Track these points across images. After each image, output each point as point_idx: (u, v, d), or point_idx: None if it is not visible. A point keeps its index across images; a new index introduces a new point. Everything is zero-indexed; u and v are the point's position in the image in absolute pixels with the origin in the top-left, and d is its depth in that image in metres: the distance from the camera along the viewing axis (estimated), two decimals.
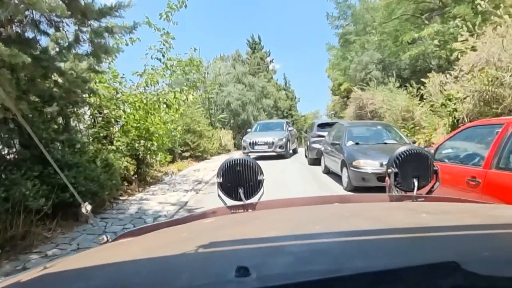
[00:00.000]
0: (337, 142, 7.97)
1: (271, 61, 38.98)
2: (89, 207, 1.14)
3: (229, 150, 19.63)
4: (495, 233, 0.72)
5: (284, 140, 14.10)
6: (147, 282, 0.58)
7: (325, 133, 11.24)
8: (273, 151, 13.86)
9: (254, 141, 14.07)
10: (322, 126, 11.71)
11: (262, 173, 1.35)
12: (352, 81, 15.31)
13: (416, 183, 1.28)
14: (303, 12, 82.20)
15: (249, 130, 16.54)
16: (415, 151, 1.33)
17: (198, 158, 14.96)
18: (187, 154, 14.16)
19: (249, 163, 1.33)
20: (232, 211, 1.24)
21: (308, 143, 11.80)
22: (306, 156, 13.81)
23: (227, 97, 20.48)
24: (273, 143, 13.89)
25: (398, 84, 12.48)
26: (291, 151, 14.84)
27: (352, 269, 0.53)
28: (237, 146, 19.98)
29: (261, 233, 0.84)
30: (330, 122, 12.20)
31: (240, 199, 1.29)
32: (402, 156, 1.32)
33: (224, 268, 0.57)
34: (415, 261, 0.56)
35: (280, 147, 13.92)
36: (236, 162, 1.34)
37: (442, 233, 0.72)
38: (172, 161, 13.72)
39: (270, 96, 28.82)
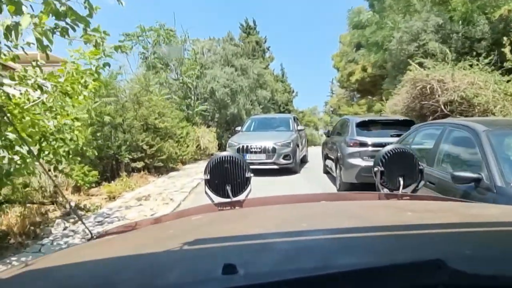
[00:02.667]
0: (477, 176, 2.92)
1: (268, 48, 33.89)
2: (72, 203, 0.69)
3: (210, 155, 14.47)
4: (476, 232, 0.73)
5: (291, 145, 9.08)
6: (134, 279, 0.56)
7: (371, 139, 6.26)
8: (274, 163, 8.91)
9: (245, 146, 9.11)
10: (366, 126, 6.64)
11: (250, 170, 1.32)
12: (395, 58, 10.37)
13: (401, 182, 1.28)
14: (298, 7, 77.20)
15: (238, 128, 11.38)
16: (401, 150, 1.33)
17: (159, 170, 9.85)
18: (139, 164, 9.02)
19: (237, 160, 1.31)
20: (219, 208, 1.21)
21: (339, 155, 6.74)
22: (327, 172, 8.78)
23: (210, 82, 15.27)
24: (274, 150, 8.91)
25: (481, 62, 7.52)
26: (298, 161, 9.71)
27: (338, 267, 0.53)
28: (223, 149, 14.84)
29: (249, 231, 0.83)
30: (388, 119, 7.03)
31: (228, 196, 1.27)
32: (389, 155, 1.31)
33: (211, 266, 0.56)
34: (401, 258, 0.56)
35: (286, 156, 8.97)
36: (224, 158, 1.31)
37: (426, 231, 0.73)
38: (113, 177, 8.61)
39: (267, 86, 23.69)
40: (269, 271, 0.52)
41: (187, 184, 8.20)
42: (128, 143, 8.98)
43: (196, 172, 10.24)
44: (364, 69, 23.69)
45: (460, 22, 9.01)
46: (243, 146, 9.14)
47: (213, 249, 0.66)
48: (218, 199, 1.27)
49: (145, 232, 1.00)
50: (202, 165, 12.15)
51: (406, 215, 0.93)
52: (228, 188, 1.27)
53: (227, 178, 1.28)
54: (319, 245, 0.65)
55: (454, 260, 0.51)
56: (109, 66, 5.10)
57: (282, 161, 8.97)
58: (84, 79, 4.60)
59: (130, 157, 8.90)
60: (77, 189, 6.78)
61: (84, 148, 5.22)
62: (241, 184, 1.29)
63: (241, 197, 1.28)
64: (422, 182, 1.32)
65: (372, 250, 0.61)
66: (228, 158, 1.30)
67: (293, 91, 44.35)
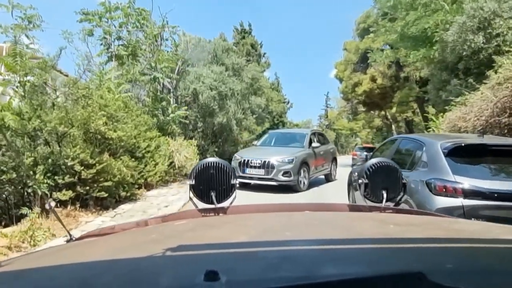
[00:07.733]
0: None
1: (264, 54, 31.07)
2: (53, 203, 1.10)
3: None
4: (458, 246, 0.73)
5: (293, 162, 8.54)
6: (113, 283, 0.55)
7: (490, 184, 3.14)
8: (272, 179, 8.47)
9: (246, 161, 8.75)
10: (466, 156, 3.50)
11: (235, 177, 1.32)
12: (452, 54, 7.42)
13: (385, 195, 1.27)
14: (293, 20, 75.42)
15: (255, 142, 11.56)
16: (385, 163, 1.33)
17: (103, 203, 6.55)
18: (65, 195, 5.72)
19: (223, 167, 1.30)
20: (203, 214, 1.19)
21: (413, 204, 3.55)
22: None
23: (194, 83, 12.11)
24: (273, 166, 8.43)
25: None
26: (302, 179, 8.87)
27: (322, 277, 0.52)
28: None
29: (232, 238, 0.83)
30: (508, 144, 3.89)
31: (212, 203, 1.25)
32: (373, 168, 1.30)
33: (193, 272, 0.54)
34: (383, 270, 0.56)
35: (285, 173, 8.45)
36: (209, 164, 1.29)
37: (408, 245, 0.72)
38: (18, 217, 5.31)
39: (262, 93, 20.62)
40: (251, 279, 0.52)
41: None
42: (50, 161, 5.71)
43: (161, 204, 6.98)
44: (373, 79, 20.88)
45: None
46: (244, 160, 8.81)
47: (196, 255, 0.66)
48: (202, 205, 1.25)
49: (126, 236, 0.97)
50: (174, 191, 8.85)
51: (388, 227, 0.93)
52: (213, 194, 1.25)
53: (212, 184, 1.26)
54: (303, 254, 0.65)
55: (435, 273, 0.51)
56: None
57: (281, 177, 8.46)
58: None
59: (51, 183, 5.61)
60: None
61: None
62: (226, 191, 1.27)
63: (225, 203, 1.27)
64: (405, 196, 1.19)
65: (355, 261, 0.61)
66: (214, 164, 1.28)
67: (288, 102, 41.75)
